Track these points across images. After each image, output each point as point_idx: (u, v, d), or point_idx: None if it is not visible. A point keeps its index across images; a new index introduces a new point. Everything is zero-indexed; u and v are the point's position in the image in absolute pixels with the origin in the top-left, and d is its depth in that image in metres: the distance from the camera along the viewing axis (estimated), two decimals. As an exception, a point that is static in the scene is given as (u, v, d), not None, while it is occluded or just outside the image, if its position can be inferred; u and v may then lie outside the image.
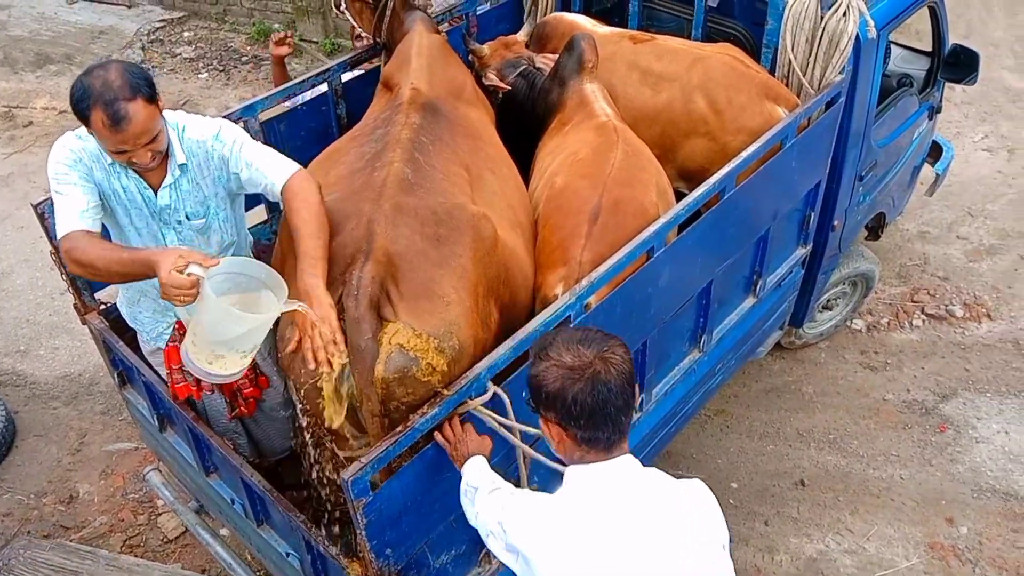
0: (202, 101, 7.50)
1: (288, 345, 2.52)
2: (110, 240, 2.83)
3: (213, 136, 2.75)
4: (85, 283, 3.35)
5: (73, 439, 4.85)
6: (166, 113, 2.69)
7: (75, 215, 2.61)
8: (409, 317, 2.52)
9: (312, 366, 2.39)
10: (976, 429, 4.85)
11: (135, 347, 3.28)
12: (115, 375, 3.59)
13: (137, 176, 2.71)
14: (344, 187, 2.87)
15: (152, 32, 8.30)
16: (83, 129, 2.60)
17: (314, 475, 2.89)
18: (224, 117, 3.62)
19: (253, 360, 2.74)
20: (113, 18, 8.47)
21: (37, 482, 4.64)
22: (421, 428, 2.44)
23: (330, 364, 2.39)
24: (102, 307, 3.42)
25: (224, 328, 2.39)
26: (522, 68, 3.92)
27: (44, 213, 3.07)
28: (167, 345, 3.09)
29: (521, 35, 4.15)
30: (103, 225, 2.74)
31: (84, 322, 3.38)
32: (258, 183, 2.75)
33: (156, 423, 3.48)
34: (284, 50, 4.43)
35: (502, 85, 3.85)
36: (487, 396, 2.60)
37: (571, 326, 2.08)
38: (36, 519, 4.46)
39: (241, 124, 3.71)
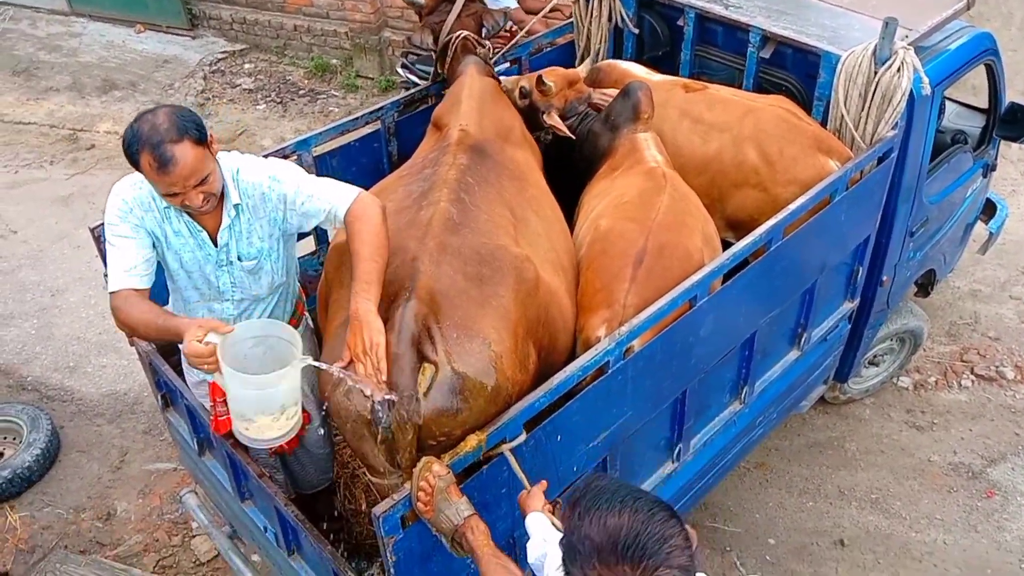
0: (259, 132, 7.68)
1: (332, 377, 2.52)
2: (164, 289, 2.93)
3: (269, 177, 2.81)
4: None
5: (114, 456, 4.94)
6: (221, 156, 2.76)
7: (123, 272, 2.72)
8: (449, 356, 2.53)
9: (367, 392, 2.37)
10: (1025, 496, 4.70)
11: (180, 371, 3.34)
12: (159, 397, 3.65)
13: (191, 219, 2.77)
14: (391, 224, 2.91)
15: (214, 63, 8.54)
16: (138, 175, 2.66)
17: (348, 508, 2.90)
18: (279, 151, 3.75)
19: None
20: (178, 48, 8.75)
21: (77, 497, 4.72)
22: (454, 468, 2.43)
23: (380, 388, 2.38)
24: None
25: (239, 393, 2.44)
26: (583, 110, 3.91)
27: (100, 236, 3.16)
28: (212, 380, 3.13)
29: (582, 70, 4.14)
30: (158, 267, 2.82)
31: (132, 343, 3.46)
32: (321, 212, 2.80)
33: (196, 446, 3.52)
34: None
35: (564, 130, 3.79)
36: (520, 439, 2.59)
37: (607, 494, 1.63)
38: (74, 534, 4.53)
39: (295, 158, 3.82)
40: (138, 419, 5.16)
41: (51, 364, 5.52)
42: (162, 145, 2.47)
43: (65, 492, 4.75)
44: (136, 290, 2.73)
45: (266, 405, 2.49)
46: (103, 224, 2.89)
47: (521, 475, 2.53)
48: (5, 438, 4.91)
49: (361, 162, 4.15)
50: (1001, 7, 8.97)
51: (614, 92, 3.90)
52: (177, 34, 8.86)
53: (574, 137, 3.83)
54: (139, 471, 4.85)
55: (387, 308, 2.57)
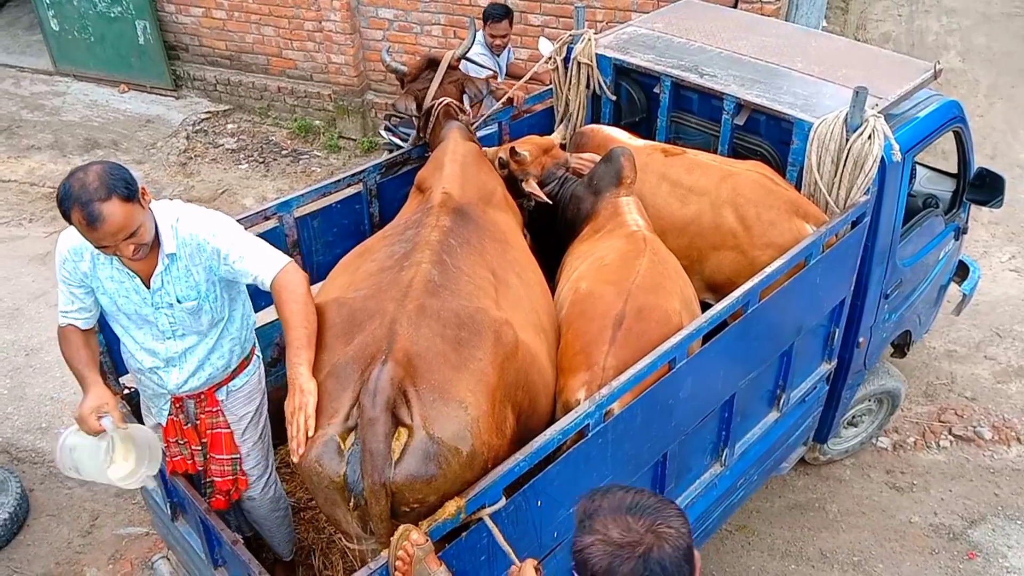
0: (240, 191, 7.72)
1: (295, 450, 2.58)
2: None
3: (210, 232, 2.89)
4: (111, 367, 3.42)
5: (85, 520, 4.82)
6: (164, 205, 2.90)
7: (64, 313, 2.98)
8: (424, 420, 2.51)
9: (296, 455, 2.55)
10: (1007, 558, 4.68)
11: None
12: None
13: (122, 265, 2.86)
14: (371, 284, 2.92)
15: (198, 123, 8.62)
16: None
17: (325, 574, 2.85)
18: (260, 211, 3.77)
19: (237, 460, 3.22)
20: (161, 108, 8.83)
21: (45, 563, 4.59)
22: (433, 535, 2.40)
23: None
24: (126, 391, 3.46)
25: (85, 468, 2.88)
26: (561, 175, 3.99)
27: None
28: (166, 420, 3.20)
29: (556, 137, 4.25)
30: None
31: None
32: (248, 275, 2.92)
33: (168, 511, 3.46)
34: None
35: (543, 196, 3.88)
36: (500, 505, 2.57)
37: (617, 487, 1.82)
38: (40, 602, 4.40)
39: (276, 219, 3.84)
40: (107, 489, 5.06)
41: (23, 425, 5.42)
42: (91, 204, 2.57)
43: (33, 558, 4.61)
44: (75, 329, 2.98)
45: (94, 475, 2.89)
46: None
47: (503, 542, 2.50)
48: (-28, 502, 4.80)
49: (342, 223, 4.17)
50: (967, 75, 9.28)
51: (593, 156, 3.98)
52: (161, 94, 8.95)
53: (551, 203, 3.89)
54: (110, 536, 4.73)
55: (363, 369, 2.57)
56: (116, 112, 8.79)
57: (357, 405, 2.51)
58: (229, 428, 3.19)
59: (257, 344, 3.35)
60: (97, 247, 2.71)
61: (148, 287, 2.89)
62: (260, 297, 3.81)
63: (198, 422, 3.17)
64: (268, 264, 2.89)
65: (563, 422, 2.75)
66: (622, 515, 1.73)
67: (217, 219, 2.95)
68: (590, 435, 2.84)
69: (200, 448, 3.21)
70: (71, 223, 2.65)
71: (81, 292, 2.93)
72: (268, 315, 3.86)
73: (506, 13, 5.84)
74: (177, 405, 3.15)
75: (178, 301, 2.92)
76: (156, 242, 2.83)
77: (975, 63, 9.46)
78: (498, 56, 5.94)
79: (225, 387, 3.16)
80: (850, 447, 5.23)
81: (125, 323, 3.01)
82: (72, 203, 2.57)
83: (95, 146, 8.31)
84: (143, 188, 2.74)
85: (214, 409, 3.15)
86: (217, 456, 3.20)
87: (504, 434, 2.77)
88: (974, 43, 9.90)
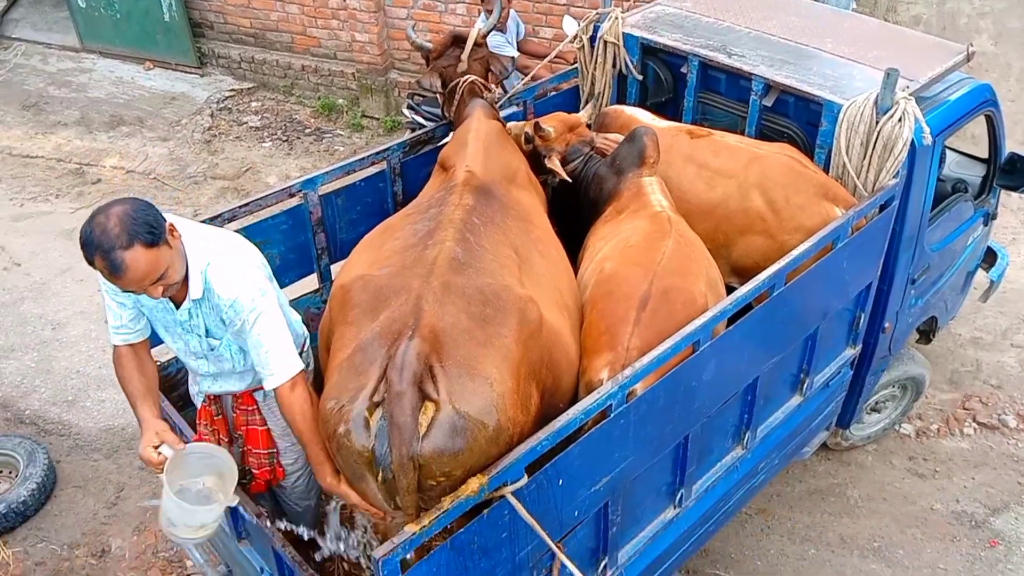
0: (264, 169, 7.75)
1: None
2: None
3: (230, 302, 2.77)
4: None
5: (111, 492, 4.90)
6: (197, 243, 2.76)
7: (113, 330, 2.92)
8: (451, 395, 2.52)
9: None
10: (1030, 547, 4.65)
11: (179, 407, 3.34)
12: (157, 433, 3.63)
13: None
14: (396, 262, 2.93)
15: (222, 100, 8.64)
16: None
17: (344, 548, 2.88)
18: (284, 188, 3.78)
19: (275, 454, 3.20)
20: (186, 85, 8.85)
21: (72, 533, 4.67)
22: (454, 512, 2.42)
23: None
24: (162, 364, 3.50)
25: (174, 513, 2.74)
26: (585, 153, 3.96)
27: (104, 271, 3.17)
28: (201, 405, 3.22)
29: (583, 116, 4.22)
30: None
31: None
32: (254, 362, 2.86)
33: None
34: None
35: (564, 174, 3.84)
36: (521, 483, 2.57)
37: None
38: (67, 571, 4.47)
39: (300, 197, 3.84)
40: (135, 455, 5.11)
41: (50, 398, 5.50)
42: (112, 252, 2.47)
43: (60, 528, 4.70)
44: (129, 345, 2.93)
45: (188, 522, 2.78)
46: None
47: (528, 518, 2.51)
48: (1, 472, 4.88)
49: (366, 201, 4.17)
50: (999, 58, 9.12)
51: (618, 137, 3.94)
52: (186, 72, 8.97)
53: (571, 180, 3.87)
54: (135, 508, 4.80)
55: (390, 345, 2.58)
56: (141, 89, 8.83)
57: (384, 380, 2.51)
58: (266, 426, 3.18)
59: (308, 341, 3.29)
60: (123, 291, 2.67)
61: (177, 308, 2.84)
62: (284, 274, 3.85)
63: (234, 415, 3.18)
64: (275, 369, 2.80)
65: (586, 402, 2.75)
66: None
67: (243, 285, 2.77)
68: (612, 415, 2.84)
69: (228, 440, 3.21)
70: (93, 267, 2.55)
71: (127, 307, 2.87)
72: (293, 291, 3.90)
73: None
74: (212, 396, 3.17)
75: (207, 334, 2.90)
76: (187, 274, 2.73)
77: (1008, 47, 9.29)
78: (505, 33, 5.88)
79: (263, 390, 3.06)
80: (873, 433, 5.19)
81: (165, 337, 3.00)
82: (94, 251, 2.49)
83: (121, 123, 8.36)
84: (171, 226, 2.64)
85: (251, 408, 3.15)
86: (255, 450, 3.21)
87: (528, 411, 2.78)
88: (1007, 26, 9.71)
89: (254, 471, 3.22)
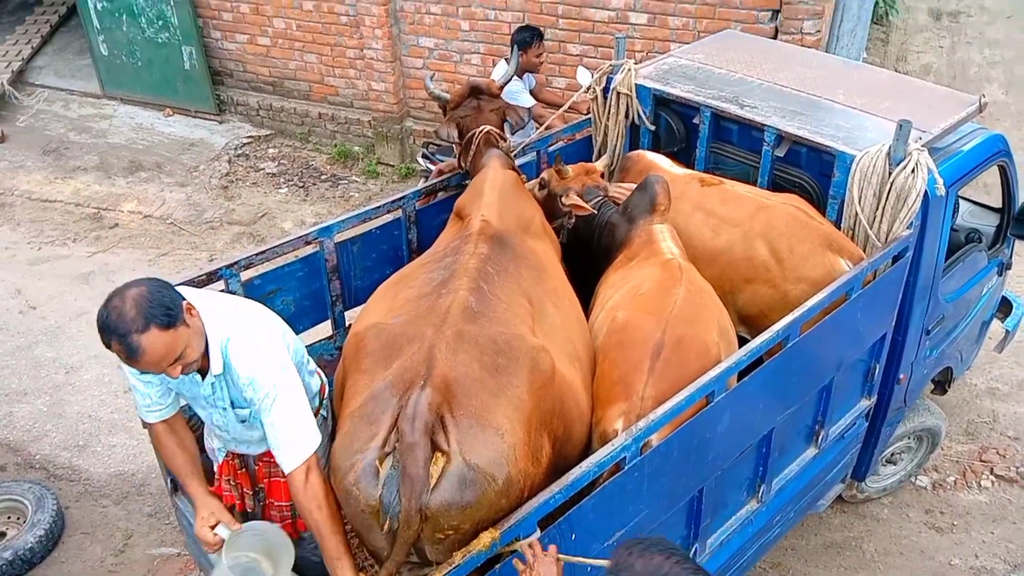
0: (280, 214, 7.83)
1: None
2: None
3: (249, 380, 2.72)
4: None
5: (118, 539, 4.86)
6: (216, 317, 2.71)
7: (144, 408, 2.93)
8: (461, 447, 2.51)
9: None
10: (1052, 605, 4.54)
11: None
12: (167, 480, 3.63)
13: None
14: (410, 310, 2.94)
15: (239, 147, 8.77)
16: None
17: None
18: (302, 236, 3.81)
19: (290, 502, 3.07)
20: (204, 132, 9.00)
21: (78, 582, 4.63)
22: (465, 567, 2.39)
23: None
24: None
25: None
26: (599, 197, 4.01)
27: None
28: (223, 459, 3.20)
29: (600, 165, 4.28)
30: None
31: (145, 425, 3.45)
32: (270, 444, 2.79)
33: (203, 533, 3.47)
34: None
35: (584, 206, 3.86)
36: (534, 537, 2.55)
37: (659, 547, 1.78)
38: (73, 620, 4.43)
39: (316, 244, 3.88)
40: (144, 501, 5.10)
41: (61, 442, 5.50)
42: (128, 336, 2.44)
43: (67, 575, 4.66)
44: (166, 424, 2.96)
45: None
46: None
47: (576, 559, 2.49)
48: (9, 517, 4.85)
49: (381, 249, 4.20)
50: (1010, 107, 9.17)
51: (631, 186, 3.98)
52: (205, 118, 9.13)
53: (596, 212, 3.89)
54: (143, 555, 4.76)
55: (402, 394, 2.57)
56: (160, 135, 8.98)
57: (395, 430, 2.51)
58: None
59: (325, 401, 3.26)
60: (141, 372, 2.67)
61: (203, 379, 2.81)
62: (298, 321, 3.86)
63: (256, 468, 3.17)
64: (291, 452, 2.72)
65: (600, 454, 2.73)
66: None
67: (263, 363, 2.73)
68: (626, 468, 2.82)
69: (252, 492, 3.20)
70: (111, 351, 2.52)
71: (154, 383, 2.85)
72: (307, 338, 3.91)
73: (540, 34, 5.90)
74: (233, 454, 3.17)
75: (232, 406, 2.87)
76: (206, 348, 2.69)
77: (1019, 95, 9.34)
78: (523, 79, 5.98)
79: None
80: (888, 485, 5.12)
81: (191, 401, 3.00)
82: (110, 335, 2.46)
83: (139, 168, 8.49)
84: (188, 305, 2.60)
85: (273, 459, 3.06)
86: (277, 503, 3.19)
87: (540, 462, 2.76)
88: (1017, 75, 9.79)
89: (275, 521, 3.19)
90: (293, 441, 2.73)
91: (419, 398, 2.51)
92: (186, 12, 8.55)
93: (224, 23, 8.72)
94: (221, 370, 2.73)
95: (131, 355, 2.47)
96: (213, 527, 2.79)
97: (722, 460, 3.30)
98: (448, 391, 2.57)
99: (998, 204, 4.84)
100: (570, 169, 4.01)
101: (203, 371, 2.77)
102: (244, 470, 3.17)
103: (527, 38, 5.85)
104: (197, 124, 9.10)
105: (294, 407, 2.76)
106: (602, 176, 4.18)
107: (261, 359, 2.73)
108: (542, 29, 6.23)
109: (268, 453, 3.06)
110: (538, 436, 2.77)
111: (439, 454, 2.50)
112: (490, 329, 2.81)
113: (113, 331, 2.45)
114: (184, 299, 2.61)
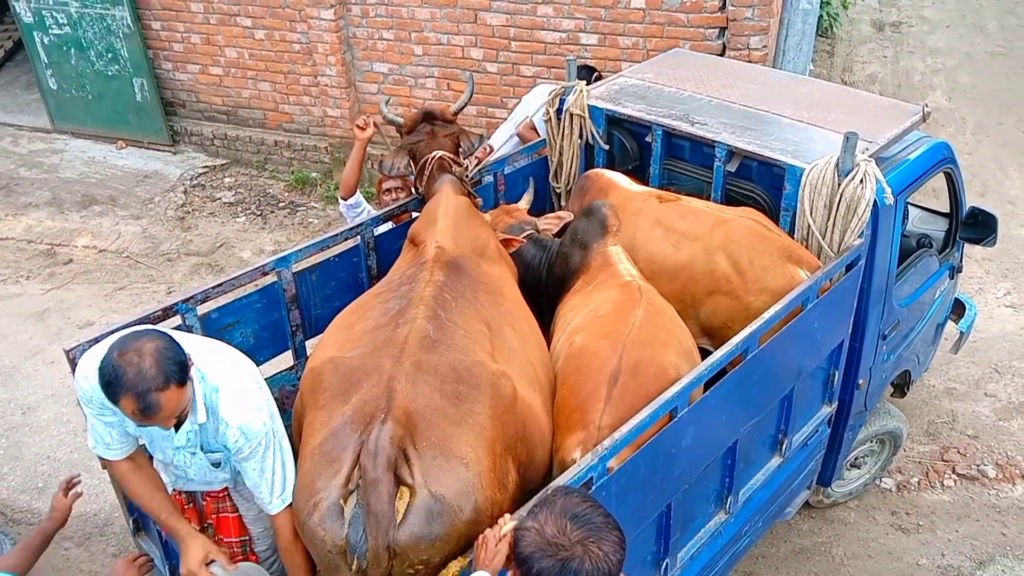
0: (238, 244, 7.75)
1: None
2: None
3: (240, 428, 2.66)
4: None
5: (81, 584, 4.75)
6: (203, 369, 2.66)
7: (104, 446, 2.80)
8: (426, 479, 2.50)
9: None
10: (1018, 601, 4.63)
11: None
12: (130, 521, 3.56)
13: None
14: (367, 343, 2.92)
15: (195, 177, 8.68)
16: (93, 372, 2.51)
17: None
18: (258, 267, 3.77)
19: (247, 542, 3.12)
20: (159, 163, 8.90)
21: (41, 629, 4.50)
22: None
23: None
24: None
25: None
26: (528, 231, 4.06)
27: (75, 358, 3.12)
28: (171, 492, 3.12)
29: (523, 203, 4.36)
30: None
31: (105, 467, 3.39)
32: (254, 487, 2.79)
33: (167, 573, 3.41)
34: (367, 133, 4.50)
35: (514, 237, 3.96)
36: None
37: (582, 493, 2.02)
38: (35, 670, 4.30)
39: (274, 275, 3.85)
40: (108, 541, 4.99)
41: (19, 485, 5.36)
42: (148, 394, 2.37)
43: (29, 622, 4.53)
44: (131, 462, 2.85)
45: None
46: (80, 343, 2.93)
47: None
48: (-33, 566, 4.72)
49: (340, 276, 4.18)
50: (954, 113, 9.41)
51: (562, 214, 4.20)
52: (159, 150, 9.02)
53: (521, 241, 3.99)
54: (107, 598, 4.66)
55: (362, 429, 2.55)
56: (114, 168, 8.86)
57: (358, 466, 2.49)
58: (237, 512, 3.12)
59: None
60: (139, 426, 2.58)
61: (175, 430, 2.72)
62: (258, 352, 3.82)
63: (204, 503, 3.12)
64: (280, 496, 2.76)
65: (566, 476, 2.73)
66: (565, 518, 1.90)
67: (255, 411, 2.69)
68: (593, 489, 2.82)
69: (201, 528, 3.13)
70: (115, 406, 2.44)
71: (115, 424, 2.74)
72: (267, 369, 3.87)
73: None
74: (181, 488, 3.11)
75: (202, 449, 2.79)
76: None
77: (961, 101, 9.60)
78: None
79: None
80: (854, 489, 5.19)
81: (154, 452, 2.91)
82: (125, 391, 2.36)
83: (93, 202, 8.36)
84: (189, 360, 2.53)
85: (222, 495, 3.09)
86: (226, 539, 3.14)
87: (507, 488, 2.76)
88: (959, 82, 10.06)
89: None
90: (283, 486, 2.75)
91: (380, 432, 2.49)
92: (135, 44, 8.46)
93: (175, 54, 8.65)
94: (206, 419, 2.66)
95: (146, 412, 2.40)
96: (207, 563, 2.71)
97: (689, 474, 3.32)
98: (410, 423, 2.56)
99: (947, 209, 4.96)
100: (488, 215, 4.10)
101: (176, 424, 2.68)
102: (192, 505, 3.12)
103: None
104: (151, 156, 9.00)
105: (283, 452, 2.76)
106: (530, 211, 4.31)
107: (254, 408, 2.69)
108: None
109: (217, 490, 3.04)
110: (503, 462, 2.76)
111: (404, 488, 2.49)
112: (449, 357, 2.81)
113: (130, 388, 2.36)
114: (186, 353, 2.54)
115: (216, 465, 2.86)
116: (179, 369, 2.44)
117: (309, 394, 2.84)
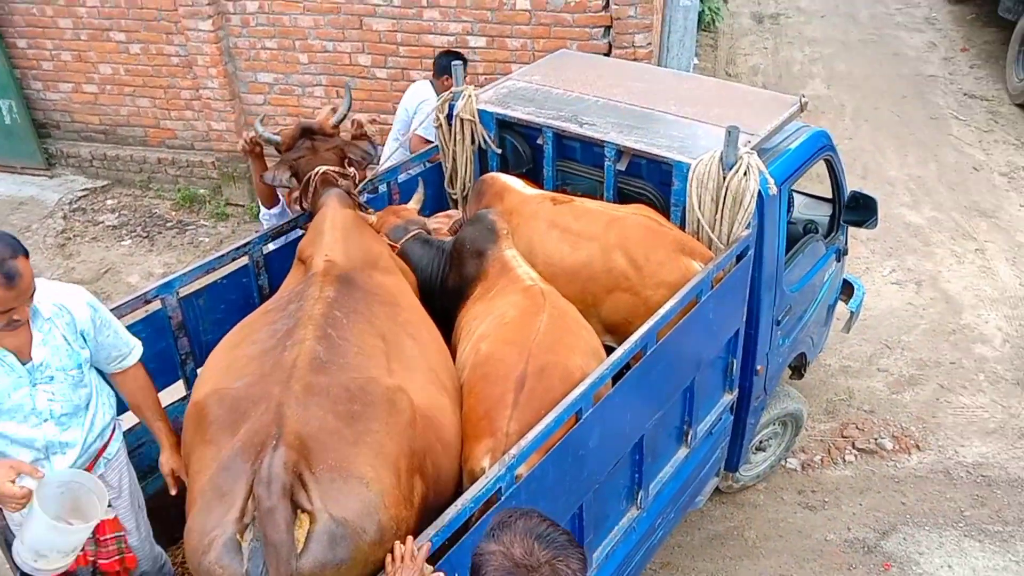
0: (124, 268, 7.40)
1: None
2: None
3: (82, 303, 2.96)
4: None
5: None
6: (40, 288, 2.85)
7: None
8: (326, 503, 2.41)
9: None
10: (919, 565, 4.82)
11: None
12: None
13: None
14: (254, 370, 2.80)
15: (74, 201, 8.25)
16: None
17: None
18: (140, 295, 3.61)
19: (122, 538, 3.10)
20: (34, 188, 8.43)
21: None
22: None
23: None
24: None
25: (49, 538, 2.69)
26: (416, 231, 4.01)
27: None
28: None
29: (412, 204, 4.29)
30: None
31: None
32: (118, 348, 3.08)
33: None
34: (255, 150, 4.32)
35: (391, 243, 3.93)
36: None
37: (539, 513, 1.99)
38: None
39: (158, 302, 3.68)
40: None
41: None
42: (5, 262, 2.58)
43: None
44: None
45: (64, 547, 2.75)
46: None
47: None
48: None
49: (230, 299, 4.02)
50: (833, 100, 9.79)
51: (450, 213, 4.22)
52: (33, 174, 8.56)
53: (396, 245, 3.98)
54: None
55: (254, 459, 2.45)
56: (-16, 196, 8.35)
57: (252, 498, 2.38)
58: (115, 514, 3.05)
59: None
60: (2, 311, 2.64)
61: (23, 363, 2.78)
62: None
63: None
64: (132, 343, 3.15)
65: (474, 490, 2.69)
66: (530, 539, 1.88)
67: (82, 292, 3.02)
68: (503, 499, 2.78)
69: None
70: None
71: None
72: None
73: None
74: None
75: (60, 370, 2.84)
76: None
77: (840, 89, 10.01)
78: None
79: (102, 458, 3.06)
80: (761, 472, 5.32)
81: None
82: None
83: (-37, 234, 7.85)
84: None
85: None
86: (102, 538, 3.04)
87: (413, 504, 2.69)
88: (836, 70, 10.50)
89: (102, 564, 3.03)
90: (126, 333, 3.13)
91: (272, 459, 2.39)
92: (0, 64, 8.00)
93: (45, 73, 8.22)
94: (51, 314, 2.85)
95: (10, 279, 2.58)
96: (13, 480, 2.66)
97: (598, 474, 3.33)
98: (303, 447, 2.47)
99: (830, 195, 5.13)
100: (373, 216, 4.04)
101: (20, 355, 2.80)
102: None
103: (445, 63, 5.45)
104: (25, 181, 8.52)
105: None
106: (420, 212, 4.26)
107: (77, 288, 3.03)
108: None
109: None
110: (408, 478, 2.70)
111: (303, 515, 2.39)
112: (341, 377, 2.72)
113: None
114: None
115: (79, 382, 2.93)
116: (17, 242, 2.67)
117: (194, 430, 2.71)
